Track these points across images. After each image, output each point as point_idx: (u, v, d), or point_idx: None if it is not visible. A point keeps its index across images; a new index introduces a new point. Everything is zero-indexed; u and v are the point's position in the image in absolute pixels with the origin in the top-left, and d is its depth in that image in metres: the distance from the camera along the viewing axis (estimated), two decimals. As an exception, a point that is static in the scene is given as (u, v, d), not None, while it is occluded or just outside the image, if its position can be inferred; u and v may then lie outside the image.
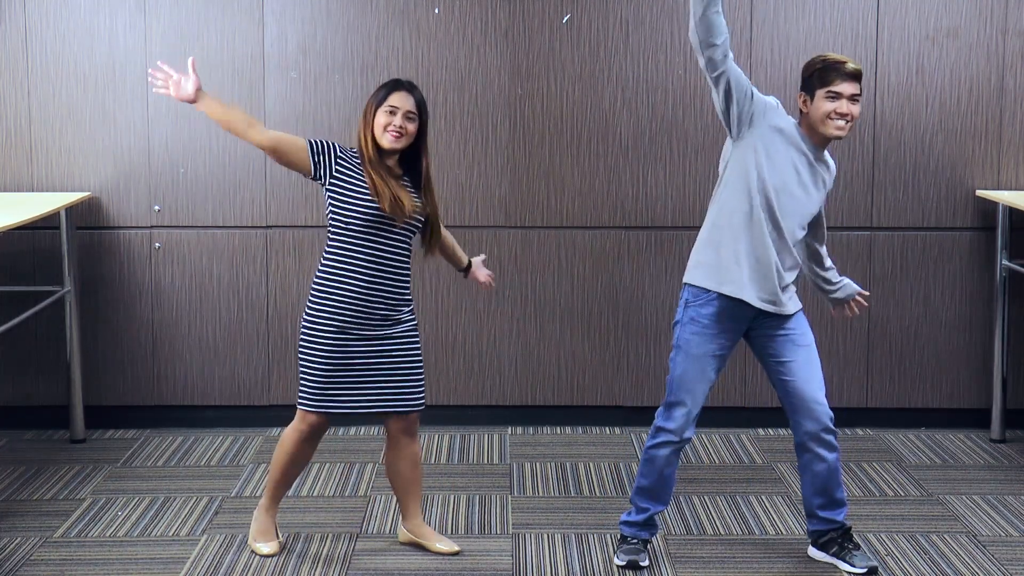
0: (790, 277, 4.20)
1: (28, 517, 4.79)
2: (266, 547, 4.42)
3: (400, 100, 4.19)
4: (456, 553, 4.42)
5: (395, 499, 4.94)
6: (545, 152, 5.81)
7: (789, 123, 4.15)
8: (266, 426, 5.89)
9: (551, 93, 5.78)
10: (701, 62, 4.03)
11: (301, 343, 4.28)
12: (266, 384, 5.92)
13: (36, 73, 5.73)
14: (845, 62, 4.11)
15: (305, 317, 4.27)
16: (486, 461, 5.50)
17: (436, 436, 5.76)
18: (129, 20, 5.71)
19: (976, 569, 4.34)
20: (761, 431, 5.87)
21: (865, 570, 4.25)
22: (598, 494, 5.08)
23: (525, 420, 5.97)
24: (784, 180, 4.11)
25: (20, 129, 5.76)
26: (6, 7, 5.69)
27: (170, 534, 4.63)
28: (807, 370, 4.21)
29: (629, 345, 5.90)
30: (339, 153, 4.24)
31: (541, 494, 5.08)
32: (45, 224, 5.45)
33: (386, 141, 4.18)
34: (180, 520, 4.77)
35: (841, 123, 4.09)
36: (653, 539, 4.44)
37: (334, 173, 4.22)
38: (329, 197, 4.22)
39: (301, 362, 4.28)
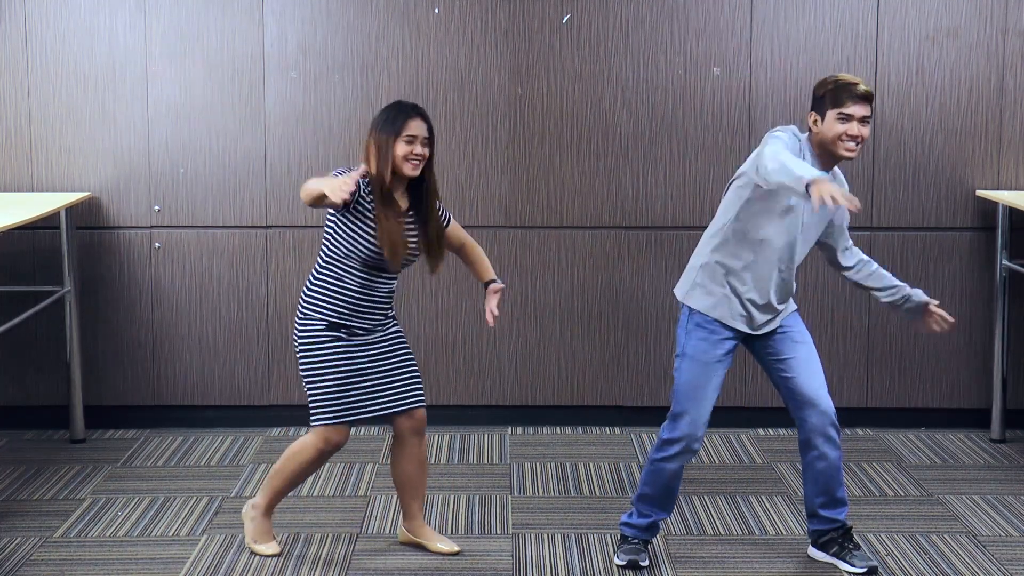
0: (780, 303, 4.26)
1: (28, 517, 4.79)
2: (268, 548, 4.42)
3: (417, 128, 4.17)
4: (456, 553, 4.42)
5: (395, 499, 4.95)
6: (545, 152, 5.81)
7: (797, 147, 4.14)
8: (266, 426, 5.89)
9: (551, 93, 5.78)
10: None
11: (303, 361, 4.23)
12: (266, 384, 5.92)
13: (36, 73, 5.73)
14: (857, 83, 4.11)
15: (300, 334, 4.23)
16: (486, 461, 5.50)
17: (436, 436, 5.76)
18: (129, 20, 5.71)
19: (976, 569, 4.34)
20: (761, 431, 5.87)
21: (865, 570, 4.24)
22: (598, 494, 5.08)
23: (525, 420, 5.97)
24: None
25: (20, 129, 5.76)
26: (6, 7, 5.69)
27: (170, 534, 4.63)
28: (808, 366, 4.21)
29: (629, 345, 5.90)
30: (364, 187, 4.16)
31: (541, 494, 5.08)
32: (45, 224, 5.45)
33: (408, 170, 4.16)
34: (180, 520, 4.77)
35: (851, 145, 4.10)
36: (654, 539, 4.44)
37: (356, 204, 4.16)
38: (339, 224, 4.17)
39: (308, 380, 4.23)
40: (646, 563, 4.31)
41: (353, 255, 4.16)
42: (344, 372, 4.21)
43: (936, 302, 4.48)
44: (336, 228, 4.18)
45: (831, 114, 4.10)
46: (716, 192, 5.77)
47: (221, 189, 5.80)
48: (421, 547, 4.46)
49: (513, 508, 4.91)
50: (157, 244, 5.82)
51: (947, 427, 5.91)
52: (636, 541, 4.34)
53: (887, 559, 4.41)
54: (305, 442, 4.29)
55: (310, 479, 5.20)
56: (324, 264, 4.22)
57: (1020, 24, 5.72)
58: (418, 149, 4.16)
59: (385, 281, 4.25)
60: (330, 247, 4.20)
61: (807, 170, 3.78)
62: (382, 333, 4.27)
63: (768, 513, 4.85)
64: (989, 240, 5.76)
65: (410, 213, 4.26)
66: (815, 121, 4.15)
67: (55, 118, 5.75)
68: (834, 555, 4.33)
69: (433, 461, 5.47)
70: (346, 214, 4.15)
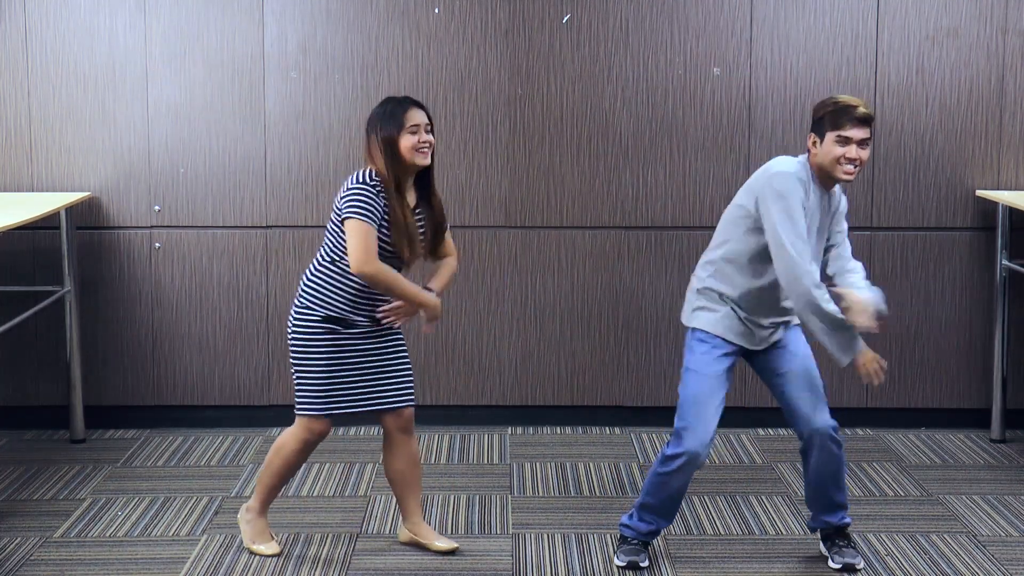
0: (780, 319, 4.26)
1: (28, 517, 4.79)
2: (268, 548, 4.42)
3: (418, 116, 4.17)
4: (454, 551, 4.42)
5: (395, 498, 4.95)
6: (545, 152, 5.81)
7: (804, 184, 4.13)
8: (266, 426, 5.89)
9: (551, 93, 5.78)
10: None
11: (295, 351, 4.25)
12: (266, 384, 5.92)
13: (36, 73, 5.73)
14: (857, 106, 4.09)
15: (295, 324, 4.24)
16: (486, 461, 5.50)
17: (436, 436, 5.76)
18: (129, 20, 5.71)
19: (976, 569, 4.34)
20: (761, 431, 5.87)
21: (839, 567, 4.29)
22: (598, 494, 5.07)
23: (525, 420, 5.97)
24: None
25: (20, 129, 5.76)
26: (6, 7, 5.69)
27: (170, 534, 4.63)
28: (805, 380, 4.20)
29: (629, 345, 5.90)
30: (377, 197, 4.15)
31: (541, 494, 5.08)
32: (45, 224, 5.45)
33: (420, 160, 4.16)
34: (180, 520, 4.77)
35: (850, 168, 4.08)
36: (654, 540, 4.44)
37: (383, 217, 4.17)
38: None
39: (298, 370, 4.26)
40: (646, 564, 4.31)
41: None
42: (333, 365, 4.22)
43: (870, 356, 4.13)
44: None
45: (830, 136, 4.08)
46: (716, 192, 5.77)
47: (221, 189, 5.80)
48: (421, 546, 4.46)
49: (513, 508, 4.91)
50: (157, 244, 5.82)
51: (947, 427, 5.91)
52: (636, 542, 4.34)
53: (887, 559, 4.41)
54: (289, 433, 4.33)
55: (310, 479, 5.21)
56: (328, 259, 4.22)
57: (1020, 24, 5.72)
58: (424, 137, 4.16)
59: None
60: (338, 244, 4.19)
61: (846, 338, 3.98)
62: (379, 330, 4.27)
63: (768, 513, 4.85)
64: (989, 240, 5.76)
65: (417, 208, 4.27)
66: (814, 143, 4.13)
67: (55, 118, 5.75)
68: (826, 548, 4.37)
69: (433, 461, 5.47)
70: (383, 221, 4.15)
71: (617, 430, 5.90)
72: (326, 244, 4.24)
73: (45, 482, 5.19)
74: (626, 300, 5.89)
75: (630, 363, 5.91)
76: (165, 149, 5.77)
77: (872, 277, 5.80)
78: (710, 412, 4.17)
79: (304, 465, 5.36)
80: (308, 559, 4.40)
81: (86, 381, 5.78)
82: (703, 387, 4.18)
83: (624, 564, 4.31)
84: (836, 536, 4.35)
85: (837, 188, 4.25)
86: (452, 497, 4.98)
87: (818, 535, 4.45)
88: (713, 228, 4.32)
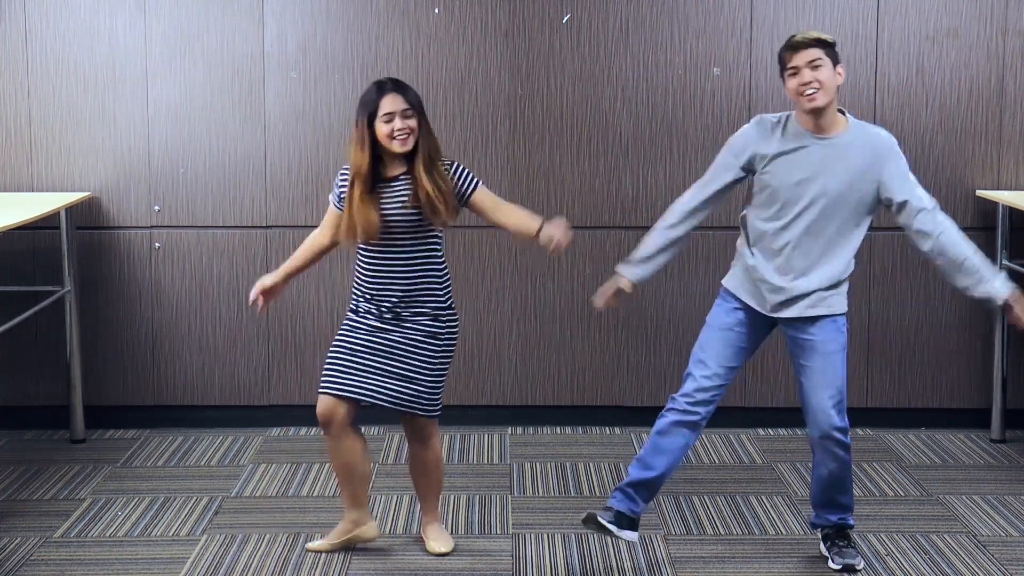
0: (808, 279, 4.17)
1: (28, 517, 4.79)
2: (368, 530, 4.47)
3: (391, 103, 4.15)
4: (443, 554, 4.41)
5: (395, 499, 4.97)
6: (545, 152, 5.81)
7: (770, 126, 4.18)
8: (266, 426, 5.89)
9: (551, 93, 5.78)
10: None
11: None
12: (266, 384, 5.92)
13: (36, 73, 5.73)
14: (794, 35, 4.12)
15: None
16: (486, 461, 5.50)
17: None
18: (129, 20, 5.71)
19: (976, 569, 4.34)
20: (761, 431, 5.87)
21: (839, 567, 4.28)
22: (598, 494, 5.07)
23: (525, 420, 5.97)
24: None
25: (20, 129, 5.76)
26: (6, 7, 5.69)
27: (170, 534, 4.63)
28: (821, 378, 4.16)
29: (629, 345, 5.90)
30: (341, 182, 4.30)
31: (541, 494, 5.08)
32: (45, 224, 5.45)
33: (397, 147, 4.17)
34: (180, 520, 4.77)
35: (809, 92, 4.04)
36: (633, 529, 4.22)
37: (340, 199, 4.30)
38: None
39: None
40: (604, 522, 4.13)
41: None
42: (343, 347, 4.27)
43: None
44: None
45: (785, 77, 4.11)
46: (716, 192, 5.77)
47: (221, 189, 5.80)
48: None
49: (513, 508, 4.91)
50: (157, 244, 5.82)
51: (947, 427, 5.91)
52: (609, 508, 4.18)
53: (887, 559, 4.41)
54: None
55: (310, 479, 5.20)
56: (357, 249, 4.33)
57: (1020, 24, 5.72)
58: (398, 124, 4.14)
59: (393, 255, 4.22)
60: None
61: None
62: (400, 327, 4.25)
63: (768, 513, 4.85)
64: (989, 240, 5.76)
65: (402, 176, 4.24)
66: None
67: (55, 118, 5.75)
68: (827, 548, 4.37)
69: (433, 461, 5.47)
70: (340, 205, 4.28)
71: (617, 430, 5.90)
72: None
73: (45, 482, 5.19)
74: (626, 300, 5.87)
75: (630, 363, 5.91)
76: (165, 149, 5.77)
77: (872, 277, 5.86)
78: (710, 360, 4.20)
79: (304, 465, 5.37)
80: (308, 559, 4.40)
81: (86, 381, 5.78)
82: (708, 337, 4.25)
83: (584, 516, 4.19)
84: (836, 536, 4.35)
85: (866, 136, 4.14)
86: (452, 497, 4.98)
87: (818, 535, 4.44)
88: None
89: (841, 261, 4.17)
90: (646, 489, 4.24)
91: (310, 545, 4.47)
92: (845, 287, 4.24)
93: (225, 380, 5.91)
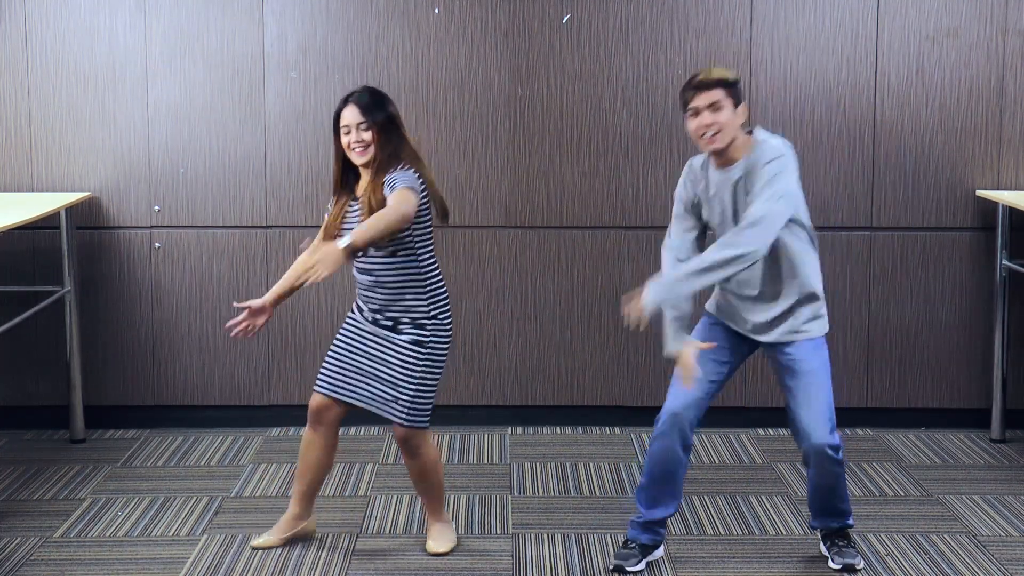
0: (770, 309, 4.17)
1: (28, 517, 4.79)
2: (260, 537, 4.50)
3: (348, 116, 4.24)
4: (439, 554, 4.42)
5: (396, 499, 4.97)
6: (545, 152, 5.81)
7: (699, 168, 4.19)
8: (266, 426, 5.89)
9: (551, 93, 5.78)
10: None
11: None
12: (266, 384, 5.92)
13: (36, 73, 5.73)
14: (696, 75, 4.07)
15: None
16: (486, 461, 5.50)
17: (436, 436, 5.75)
18: (129, 20, 5.71)
19: (976, 569, 4.34)
20: (761, 431, 5.87)
21: (839, 567, 4.29)
22: (598, 494, 5.07)
23: (525, 420, 5.97)
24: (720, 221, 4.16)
25: (20, 129, 5.76)
26: (6, 7, 5.69)
27: (170, 534, 4.63)
28: (805, 398, 4.14)
29: (629, 345, 5.90)
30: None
31: (541, 494, 5.08)
32: (45, 224, 5.45)
33: (355, 159, 4.25)
34: (180, 520, 4.77)
35: (708, 135, 4.01)
36: (659, 547, 4.36)
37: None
38: None
39: None
40: (635, 568, 4.27)
41: None
42: (343, 347, 4.36)
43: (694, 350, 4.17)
44: None
45: (686, 116, 4.07)
46: (716, 192, 5.76)
47: (221, 189, 5.80)
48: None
49: (513, 508, 4.91)
50: (157, 244, 5.82)
51: (947, 427, 5.91)
52: (633, 545, 4.32)
53: (887, 559, 4.41)
54: None
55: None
56: None
57: (1020, 24, 5.72)
58: (354, 136, 4.22)
59: (371, 266, 4.26)
60: None
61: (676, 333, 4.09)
62: (386, 333, 4.28)
63: (768, 513, 4.85)
64: (989, 240, 5.76)
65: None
66: None
67: (55, 118, 5.75)
68: (827, 548, 4.37)
69: (433, 461, 5.47)
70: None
71: (617, 430, 5.90)
72: None
73: (45, 482, 5.19)
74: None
75: (630, 363, 5.91)
76: (165, 149, 5.77)
77: (872, 277, 5.85)
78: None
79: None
80: (308, 559, 4.40)
81: (86, 381, 5.78)
82: None
83: (612, 567, 4.30)
84: (836, 536, 4.35)
85: (749, 159, 4.06)
86: (452, 497, 4.98)
87: (818, 535, 4.45)
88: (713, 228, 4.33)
89: (797, 278, 4.13)
90: (664, 520, 4.34)
91: (256, 542, 4.48)
92: (822, 308, 4.20)
93: (225, 380, 5.91)
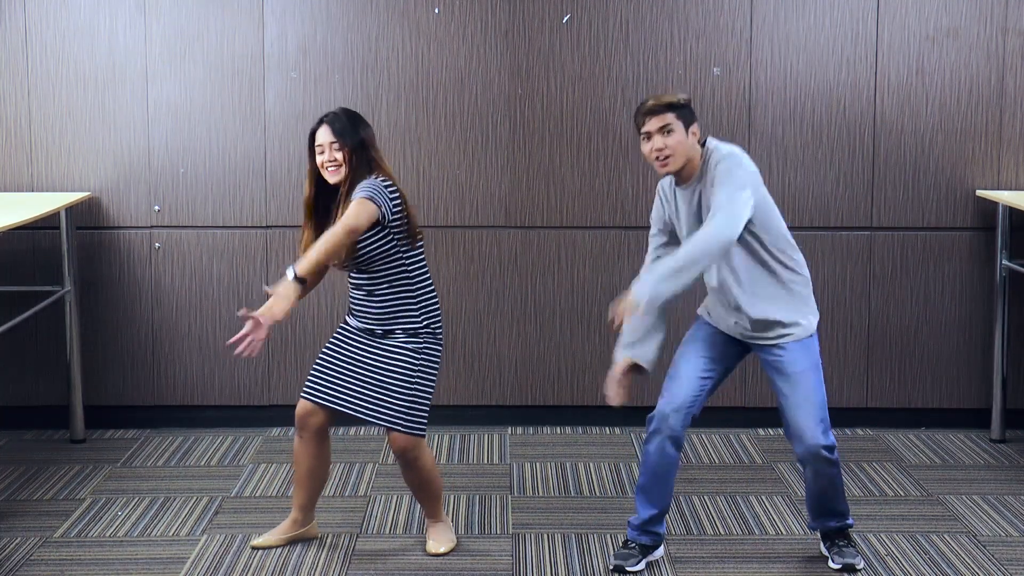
0: (754, 316, 4.18)
1: (28, 517, 4.79)
2: (260, 537, 4.50)
3: (321, 136, 4.29)
4: (438, 555, 4.41)
5: (395, 499, 4.97)
6: (545, 152, 5.81)
7: (668, 190, 4.25)
8: (266, 426, 5.89)
9: (551, 93, 5.78)
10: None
11: None
12: (266, 384, 5.92)
13: (36, 73, 5.73)
14: (647, 100, 4.13)
15: None
16: (486, 461, 5.50)
17: (436, 436, 5.76)
18: (129, 20, 5.71)
19: (976, 569, 4.34)
20: (761, 431, 5.87)
21: (839, 567, 4.29)
22: (598, 494, 5.08)
23: (525, 420, 5.97)
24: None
25: (20, 129, 5.76)
26: (6, 7, 5.69)
27: (170, 534, 4.63)
28: (794, 400, 4.16)
29: (629, 345, 5.89)
30: None
31: (541, 494, 5.08)
32: (45, 224, 5.45)
33: (328, 177, 4.28)
34: (180, 520, 4.77)
35: (660, 159, 4.07)
36: (659, 547, 4.38)
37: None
38: None
39: None
40: (635, 568, 4.28)
41: None
42: (332, 355, 4.36)
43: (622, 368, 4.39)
44: None
45: (640, 139, 4.13)
46: (716, 192, 5.77)
47: (221, 189, 5.80)
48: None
49: (513, 508, 4.91)
50: (157, 244, 5.82)
51: (947, 427, 5.91)
52: (633, 545, 4.33)
53: (887, 559, 4.41)
54: None
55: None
56: None
57: (1020, 24, 5.72)
58: (327, 156, 4.26)
59: (360, 280, 4.30)
60: None
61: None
62: (385, 346, 4.29)
63: (768, 513, 4.85)
64: (989, 240, 5.76)
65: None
66: None
67: (55, 118, 5.75)
68: (827, 548, 4.37)
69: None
70: None
71: (617, 430, 5.90)
72: None
73: (45, 482, 5.19)
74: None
75: (630, 363, 5.90)
76: (165, 149, 5.77)
77: (872, 277, 5.85)
78: (679, 376, 4.25)
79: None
80: (308, 559, 4.40)
81: (86, 381, 5.78)
82: (680, 352, 4.33)
83: (612, 567, 4.30)
84: (836, 536, 4.35)
85: (702, 170, 4.10)
86: (452, 497, 4.98)
87: (818, 535, 4.45)
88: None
89: (777, 285, 4.14)
90: (659, 518, 4.34)
91: (256, 542, 4.49)
92: (806, 308, 4.20)
93: (225, 380, 5.91)
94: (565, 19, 5.74)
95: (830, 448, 4.17)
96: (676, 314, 5.87)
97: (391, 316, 4.27)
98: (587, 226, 5.84)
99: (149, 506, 4.91)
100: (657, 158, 4.08)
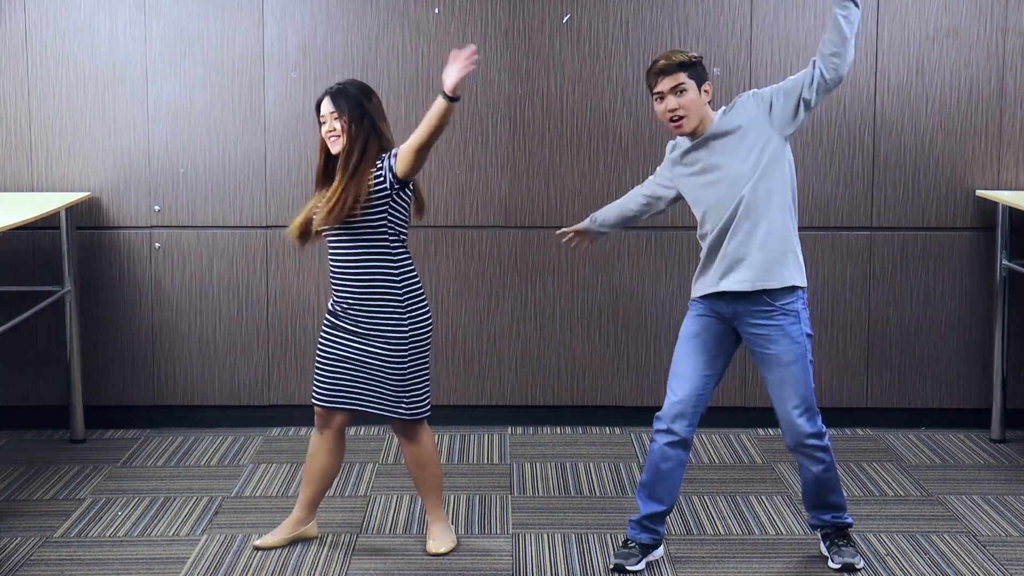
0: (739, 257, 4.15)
1: (28, 517, 4.79)
2: (261, 538, 4.50)
3: (323, 108, 4.34)
4: (439, 555, 4.42)
5: (396, 499, 4.97)
6: (545, 152, 5.81)
7: (679, 156, 4.29)
8: (266, 426, 5.89)
9: (551, 93, 5.78)
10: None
11: None
12: (266, 384, 5.92)
13: (36, 73, 5.73)
14: (658, 59, 4.14)
15: None
16: (486, 461, 5.50)
17: (436, 436, 5.74)
18: (129, 20, 5.71)
19: (976, 569, 4.34)
20: (761, 431, 5.87)
21: (839, 566, 4.29)
22: (598, 494, 5.08)
23: (525, 420, 5.97)
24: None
25: (20, 129, 5.76)
26: (6, 7, 5.69)
27: (170, 534, 4.63)
28: (781, 389, 4.18)
29: (629, 345, 5.90)
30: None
31: (541, 494, 5.08)
32: (45, 224, 5.45)
33: (331, 148, 4.32)
34: (180, 520, 4.77)
35: (675, 119, 4.11)
36: (659, 547, 4.37)
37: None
38: None
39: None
40: (636, 568, 4.27)
41: None
42: (327, 357, 4.36)
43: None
44: None
45: (653, 100, 4.15)
46: (716, 192, 5.76)
47: (221, 189, 5.80)
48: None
49: (513, 508, 4.91)
50: (157, 244, 5.82)
51: (947, 427, 5.91)
52: (633, 544, 4.33)
53: (887, 559, 4.41)
54: None
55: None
56: None
57: (1020, 24, 5.72)
58: (328, 126, 4.32)
59: (341, 253, 4.30)
60: None
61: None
62: (371, 339, 4.29)
63: (768, 513, 4.85)
64: (989, 240, 5.76)
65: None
66: None
67: (55, 118, 5.75)
68: (827, 548, 4.37)
69: (433, 461, 5.47)
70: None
71: (617, 430, 5.90)
72: None
73: (45, 482, 5.19)
74: (626, 300, 5.89)
75: (630, 363, 5.91)
76: (165, 149, 5.77)
77: (872, 277, 5.86)
78: (683, 374, 4.23)
79: (304, 465, 5.36)
80: (308, 559, 4.40)
81: (86, 381, 5.78)
82: (679, 350, 4.28)
83: (612, 566, 4.30)
84: (836, 536, 4.35)
85: (724, 115, 4.15)
86: (452, 497, 4.98)
87: (818, 535, 4.45)
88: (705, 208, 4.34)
89: (769, 228, 4.10)
90: (661, 516, 4.33)
91: (257, 542, 4.49)
92: (795, 258, 4.15)
93: (225, 380, 5.91)
94: (565, 19, 5.74)
95: (816, 435, 4.18)
96: (675, 314, 5.89)
97: (370, 293, 4.25)
98: (587, 226, 5.84)
99: (149, 506, 4.91)
100: (671, 119, 4.10)
